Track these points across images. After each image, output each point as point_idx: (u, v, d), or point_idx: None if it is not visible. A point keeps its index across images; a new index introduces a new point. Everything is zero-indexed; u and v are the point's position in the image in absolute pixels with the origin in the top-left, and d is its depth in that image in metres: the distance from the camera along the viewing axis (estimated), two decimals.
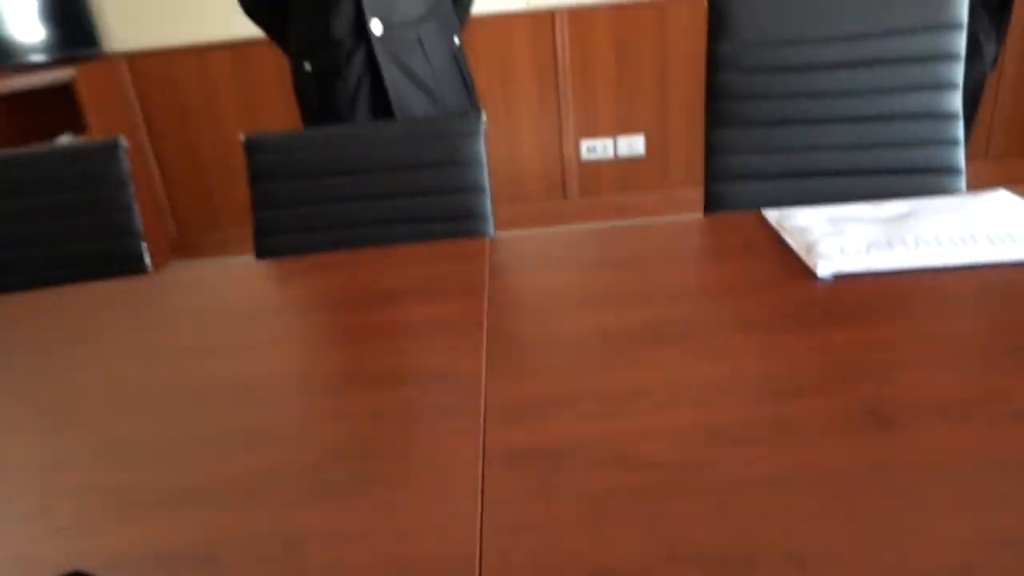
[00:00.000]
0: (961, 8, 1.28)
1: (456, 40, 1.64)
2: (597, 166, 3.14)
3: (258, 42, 2.91)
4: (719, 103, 1.39)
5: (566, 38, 2.92)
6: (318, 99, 1.58)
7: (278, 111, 3.03)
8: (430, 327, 0.95)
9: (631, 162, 3.14)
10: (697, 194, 3.14)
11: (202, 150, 3.09)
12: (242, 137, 1.37)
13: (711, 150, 1.41)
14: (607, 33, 2.94)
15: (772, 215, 1.20)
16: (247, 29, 2.88)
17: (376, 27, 1.49)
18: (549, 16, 2.88)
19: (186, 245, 3.24)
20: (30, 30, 2.71)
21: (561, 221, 3.18)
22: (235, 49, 2.93)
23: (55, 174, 1.42)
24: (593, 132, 3.09)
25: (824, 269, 0.99)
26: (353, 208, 1.37)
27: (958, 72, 1.31)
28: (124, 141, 1.42)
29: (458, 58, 1.63)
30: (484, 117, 1.36)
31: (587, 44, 2.95)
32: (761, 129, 1.38)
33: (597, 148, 3.11)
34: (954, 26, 1.29)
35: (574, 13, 2.88)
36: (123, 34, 2.91)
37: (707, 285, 0.99)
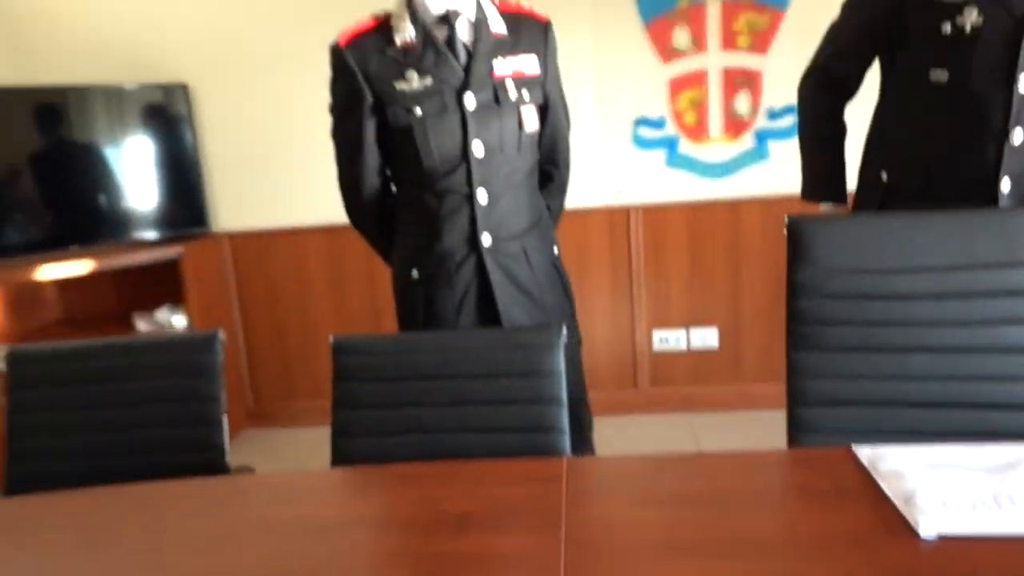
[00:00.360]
0: None
1: (555, 250, 1.71)
2: (669, 357, 3.13)
3: (348, 227, 3.10)
4: (801, 327, 1.38)
5: (640, 233, 3.01)
6: (424, 306, 1.61)
7: (363, 292, 3.17)
8: (503, 564, 0.92)
9: (704, 354, 3.12)
10: (772, 390, 3.08)
11: (288, 324, 3.23)
12: (331, 339, 1.42)
13: (794, 373, 1.38)
14: (681, 228, 3.02)
15: (864, 453, 1.14)
16: (340, 215, 3.08)
17: (486, 239, 1.55)
18: (625, 212, 2.99)
19: (261, 413, 3.31)
20: (148, 210, 2.97)
21: (631, 410, 3.13)
22: (328, 232, 3.13)
23: (150, 362, 1.48)
24: (666, 323, 3.10)
25: (927, 529, 0.92)
26: (430, 414, 1.38)
27: None
28: (222, 334, 1.49)
29: (557, 265, 1.69)
30: (564, 331, 1.38)
31: (661, 238, 3.04)
32: (847, 355, 1.35)
33: (669, 339, 3.11)
34: None
35: (649, 210, 2.99)
36: (228, 215, 3.15)
37: (799, 536, 0.94)
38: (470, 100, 1.49)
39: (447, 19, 1.50)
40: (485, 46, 1.51)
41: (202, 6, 3.00)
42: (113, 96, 2.89)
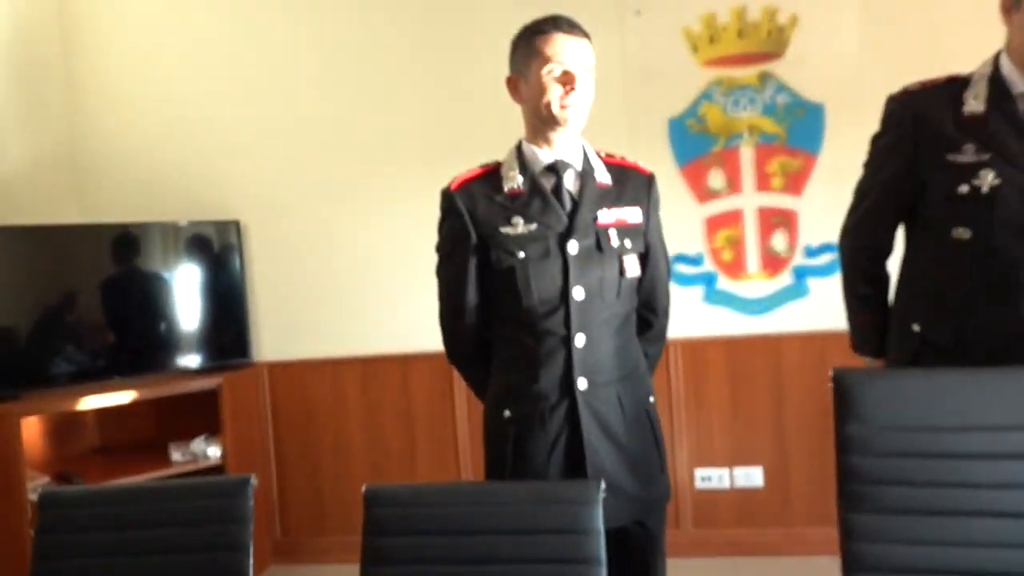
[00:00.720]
0: None
1: (651, 399, 1.67)
2: (712, 496, 3.01)
3: (385, 358, 3.13)
4: (852, 486, 1.32)
5: (680, 368, 2.97)
6: (513, 446, 1.59)
7: (398, 424, 3.16)
8: None
9: (749, 494, 2.99)
10: (822, 534, 2.91)
11: (321, 455, 3.20)
12: (363, 489, 1.39)
13: (847, 535, 1.31)
14: (721, 364, 2.97)
15: None
16: (378, 347, 3.12)
17: (582, 384, 1.54)
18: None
19: (288, 549, 3.23)
20: (193, 340, 3.04)
21: (674, 554, 2.96)
22: (365, 363, 3.15)
23: (180, 508, 1.47)
24: (708, 461, 3.00)
25: None
26: (463, 572, 1.33)
27: None
28: (254, 480, 1.47)
29: (651, 414, 1.65)
30: (603, 486, 1.33)
31: (701, 374, 2.99)
32: (900, 517, 1.28)
33: (712, 478, 3.00)
34: None
35: (688, 344, 2.96)
36: (269, 345, 3.21)
37: None
38: (573, 246, 1.53)
39: (555, 169, 1.57)
40: (590, 195, 1.57)
41: (255, 150, 3.18)
42: (169, 232, 3.04)
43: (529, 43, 1.54)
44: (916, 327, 1.62)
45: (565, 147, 1.58)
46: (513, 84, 1.59)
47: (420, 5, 3.07)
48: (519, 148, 1.61)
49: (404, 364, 3.13)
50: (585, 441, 1.54)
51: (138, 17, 3.23)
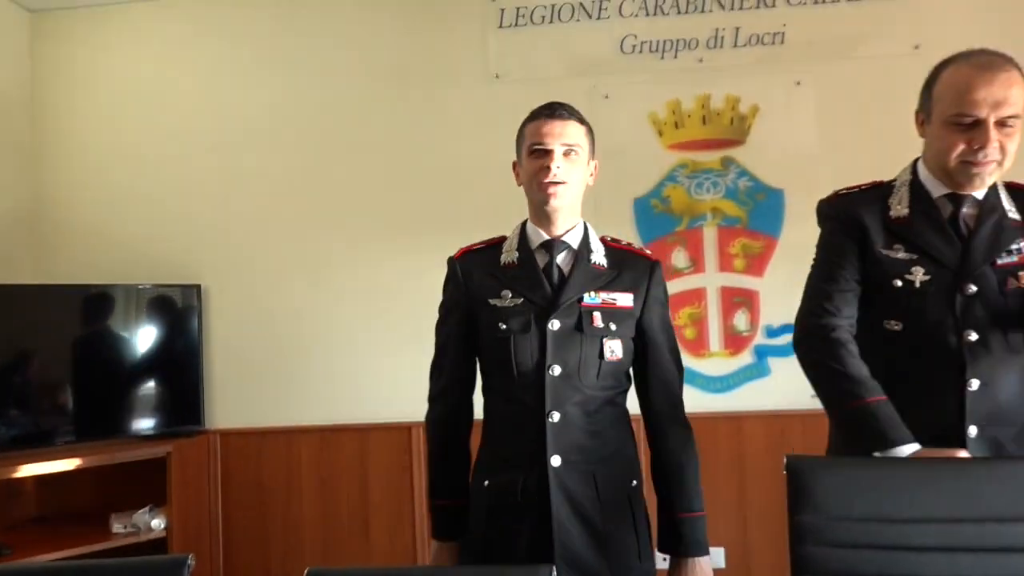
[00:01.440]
0: None
1: (635, 482, 1.63)
2: None
3: (343, 429, 3.07)
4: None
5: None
6: (487, 516, 1.60)
7: (353, 495, 3.07)
8: None
9: None
10: None
11: (271, 530, 3.09)
12: (306, 573, 1.33)
13: None
14: None
15: None
16: (336, 417, 3.06)
17: (555, 460, 1.54)
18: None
19: None
20: (145, 406, 2.96)
21: None
22: (322, 433, 3.08)
23: None
24: None
25: None
26: None
27: None
28: (192, 560, 1.40)
29: (633, 499, 1.61)
30: (554, 572, 1.28)
31: None
32: None
33: None
34: None
35: None
36: (223, 413, 3.12)
37: None
38: (553, 323, 1.57)
39: (549, 247, 1.62)
40: (580, 275, 1.60)
41: (219, 215, 3.17)
42: (132, 294, 2.99)
43: (521, 131, 1.64)
44: None
45: (564, 228, 1.63)
46: (515, 169, 1.67)
47: (393, 75, 3.12)
48: (523, 226, 1.68)
49: (363, 435, 3.07)
50: (555, 519, 1.53)
51: (103, 82, 3.25)
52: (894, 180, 1.63)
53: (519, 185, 1.66)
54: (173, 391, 3.03)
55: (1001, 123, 1.44)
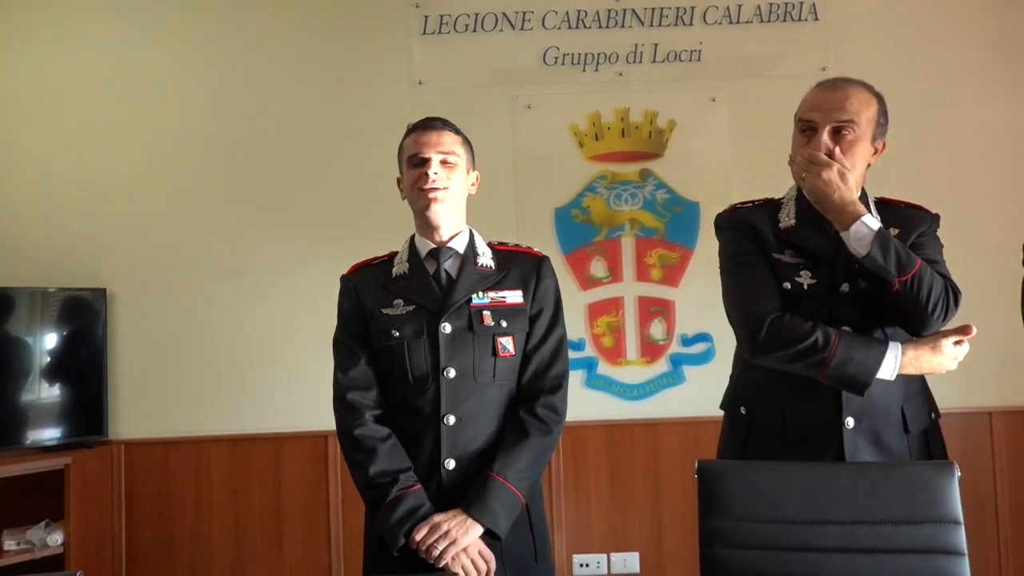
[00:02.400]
0: (955, 505, 1.29)
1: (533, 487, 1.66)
2: None
3: (256, 438, 2.98)
4: None
5: (560, 453, 2.98)
6: (378, 536, 1.59)
7: (266, 506, 2.98)
8: None
9: None
10: None
11: (178, 546, 2.97)
12: None
13: None
14: (600, 449, 3.00)
15: None
16: (248, 426, 2.97)
17: (449, 464, 1.58)
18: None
19: None
20: (44, 414, 2.79)
21: None
22: (233, 443, 2.98)
23: None
24: (586, 548, 2.98)
25: None
26: None
27: (964, 570, 1.27)
28: None
29: (530, 501, 1.62)
30: None
31: (581, 459, 3.00)
32: None
33: (590, 564, 2.98)
34: (950, 522, 1.29)
35: (568, 428, 2.92)
36: (127, 423, 2.98)
37: None
38: (445, 327, 1.61)
39: (436, 254, 1.67)
40: (467, 278, 1.65)
41: (127, 218, 3.03)
42: (37, 298, 2.83)
43: (401, 146, 1.70)
44: (743, 410, 1.73)
45: (450, 235, 1.68)
46: (399, 185, 1.73)
47: (315, 79, 3.07)
48: (412, 239, 1.72)
49: (276, 445, 2.99)
50: None
51: (4, 80, 3.07)
52: (783, 196, 1.74)
53: (403, 200, 1.72)
54: (75, 400, 2.88)
55: (835, 130, 1.58)
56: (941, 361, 1.55)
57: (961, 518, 1.29)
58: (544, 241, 2.97)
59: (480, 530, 1.53)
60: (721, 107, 3.05)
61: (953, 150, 3.01)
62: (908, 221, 1.65)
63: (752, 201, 1.77)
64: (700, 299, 2.98)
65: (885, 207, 1.69)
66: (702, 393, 2.97)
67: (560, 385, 1.66)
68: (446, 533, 1.50)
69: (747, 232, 1.69)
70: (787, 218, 1.67)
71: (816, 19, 3.04)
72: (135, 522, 2.97)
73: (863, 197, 1.65)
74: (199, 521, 2.97)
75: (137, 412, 2.99)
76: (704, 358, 3.00)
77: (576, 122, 3.06)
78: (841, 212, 1.52)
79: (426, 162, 1.63)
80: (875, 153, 1.65)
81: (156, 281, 3.02)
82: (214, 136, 3.06)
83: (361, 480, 1.58)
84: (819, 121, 1.59)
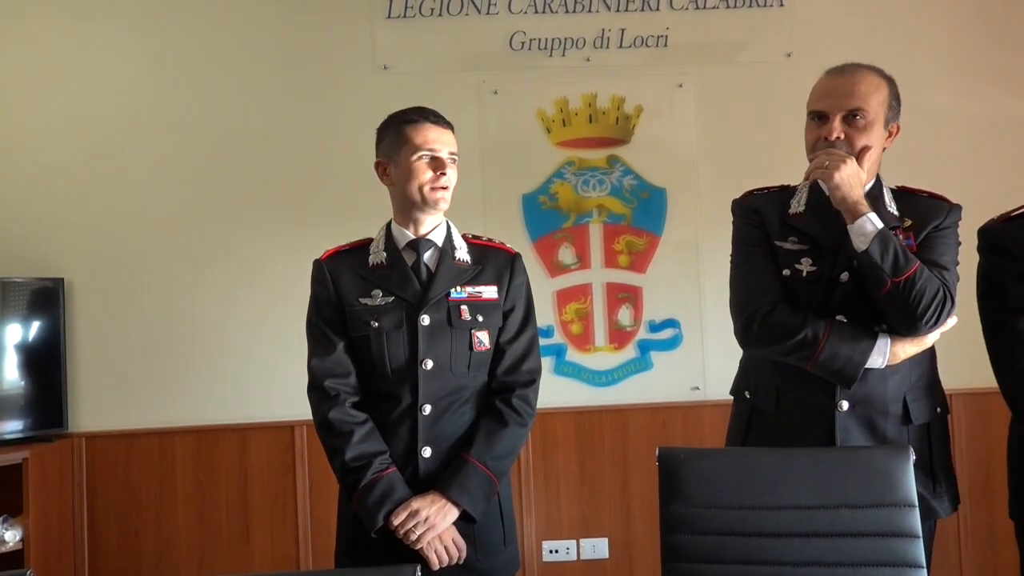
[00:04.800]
0: (910, 488, 1.31)
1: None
2: (559, 568, 3.00)
3: (221, 429, 2.94)
4: (675, 564, 1.35)
5: (529, 439, 2.97)
6: (354, 521, 1.62)
7: (234, 498, 2.95)
8: None
9: (594, 564, 3.00)
10: None
11: (142, 540, 2.92)
12: None
13: None
14: (570, 435, 3.01)
15: None
16: (213, 417, 2.93)
17: (426, 452, 1.62)
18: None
19: None
20: (2, 410, 2.72)
21: None
22: (198, 434, 2.94)
23: None
24: (555, 534, 2.99)
25: None
26: None
27: (918, 550, 1.29)
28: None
29: (500, 494, 1.67)
30: (418, 571, 1.26)
31: (550, 445, 3.00)
32: None
33: (559, 550, 2.99)
34: (905, 505, 1.30)
35: (537, 415, 2.95)
36: (88, 415, 2.93)
37: None
38: (424, 319, 1.63)
39: (416, 246, 1.68)
40: (446, 272, 1.67)
41: (85, 204, 2.96)
42: None
43: (399, 132, 1.66)
44: (747, 395, 1.77)
45: (429, 227, 1.70)
46: (382, 168, 1.70)
47: (276, 64, 3.01)
48: (388, 227, 1.72)
49: (242, 435, 2.95)
50: None
51: None
52: (798, 185, 1.75)
53: (387, 184, 1.70)
54: (33, 392, 2.81)
55: (847, 118, 1.60)
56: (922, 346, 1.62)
57: (916, 502, 1.31)
58: (512, 228, 2.96)
59: (456, 513, 1.58)
60: (688, 93, 3.04)
61: (919, 136, 3.03)
62: (924, 212, 1.66)
63: (768, 187, 1.79)
64: (667, 285, 2.99)
65: (903, 196, 1.71)
66: (669, 379, 2.99)
67: (534, 380, 1.74)
68: (425, 519, 1.55)
69: (753, 219, 1.73)
70: (797, 204, 1.70)
71: (781, 5, 3.04)
72: (98, 516, 2.92)
73: (878, 184, 1.68)
74: (164, 514, 2.93)
75: (98, 404, 2.93)
76: (671, 344, 3.01)
77: (543, 108, 3.04)
78: (854, 206, 1.55)
79: (441, 161, 1.64)
80: (889, 136, 1.68)
81: (116, 270, 2.95)
82: (172, 123, 2.98)
83: (338, 465, 1.62)
84: (830, 109, 1.61)
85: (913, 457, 1.35)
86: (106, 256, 2.96)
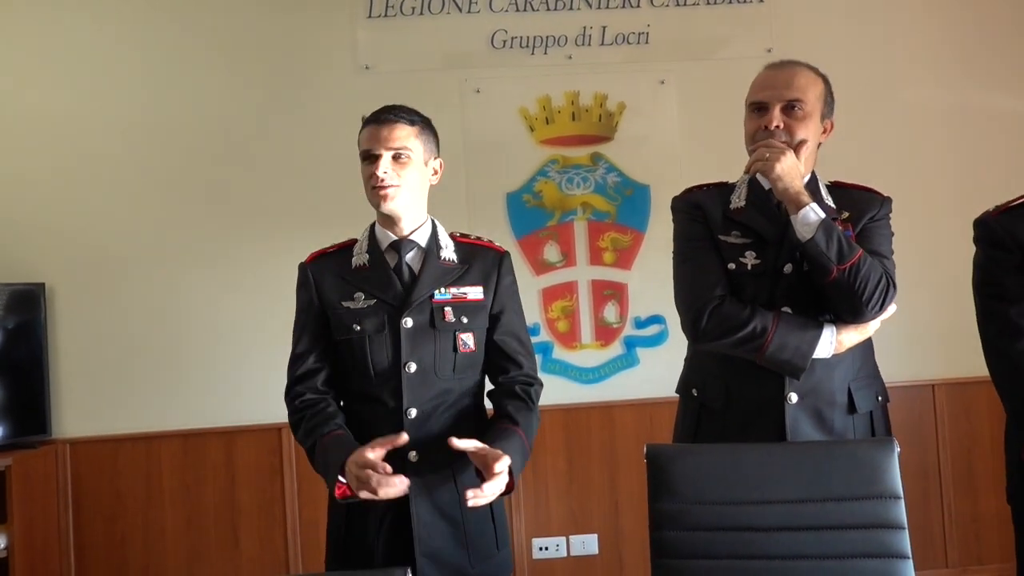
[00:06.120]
0: (895, 480, 1.32)
1: None
2: (550, 564, 3.01)
3: (207, 433, 2.92)
4: (664, 560, 1.35)
5: None
6: (346, 521, 1.60)
7: (221, 501, 2.94)
8: None
9: (584, 560, 3.01)
10: None
11: (130, 546, 2.90)
12: None
13: None
14: (558, 432, 3.01)
15: None
16: (199, 421, 2.91)
17: (412, 456, 1.57)
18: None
19: None
20: None
21: None
22: (184, 439, 2.92)
23: None
24: (545, 531, 3.00)
25: None
26: None
27: (904, 541, 1.30)
28: None
29: (493, 502, 1.61)
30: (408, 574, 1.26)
31: (538, 443, 2.90)
32: None
33: (549, 547, 3.00)
34: (891, 497, 1.32)
35: None
36: (73, 420, 2.90)
37: None
38: (407, 321, 1.60)
39: (398, 246, 1.65)
40: (430, 272, 1.64)
41: (66, 209, 2.93)
42: None
43: (359, 138, 1.65)
44: (695, 392, 1.77)
45: (411, 227, 1.66)
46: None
47: (258, 65, 2.99)
48: (372, 228, 1.69)
49: (229, 439, 2.93)
50: (414, 517, 1.56)
51: None
52: (737, 180, 1.78)
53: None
54: (15, 398, 2.78)
55: (786, 108, 1.64)
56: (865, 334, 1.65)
57: (901, 493, 1.32)
58: (496, 226, 2.96)
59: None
60: (670, 89, 3.06)
61: (898, 131, 3.07)
62: (860, 204, 1.70)
63: (707, 184, 1.81)
64: (652, 281, 3.01)
65: (837, 190, 1.74)
66: (656, 375, 3.00)
67: (536, 381, 1.75)
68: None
69: (696, 214, 1.74)
70: (738, 199, 1.72)
71: (761, 1, 3.06)
72: (83, 523, 2.90)
73: (814, 179, 1.71)
74: (151, 519, 2.91)
75: (82, 410, 2.91)
76: (657, 340, 3.02)
77: (526, 106, 3.04)
78: (796, 196, 1.57)
79: (376, 159, 1.59)
80: (824, 132, 1.71)
81: (98, 275, 2.93)
82: (153, 126, 2.96)
83: (309, 451, 1.61)
84: (770, 100, 1.65)
85: (898, 449, 1.37)
86: (88, 261, 2.93)
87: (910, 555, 1.29)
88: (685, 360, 1.86)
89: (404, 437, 1.53)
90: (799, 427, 1.62)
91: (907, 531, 1.31)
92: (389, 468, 1.47)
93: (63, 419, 2.90)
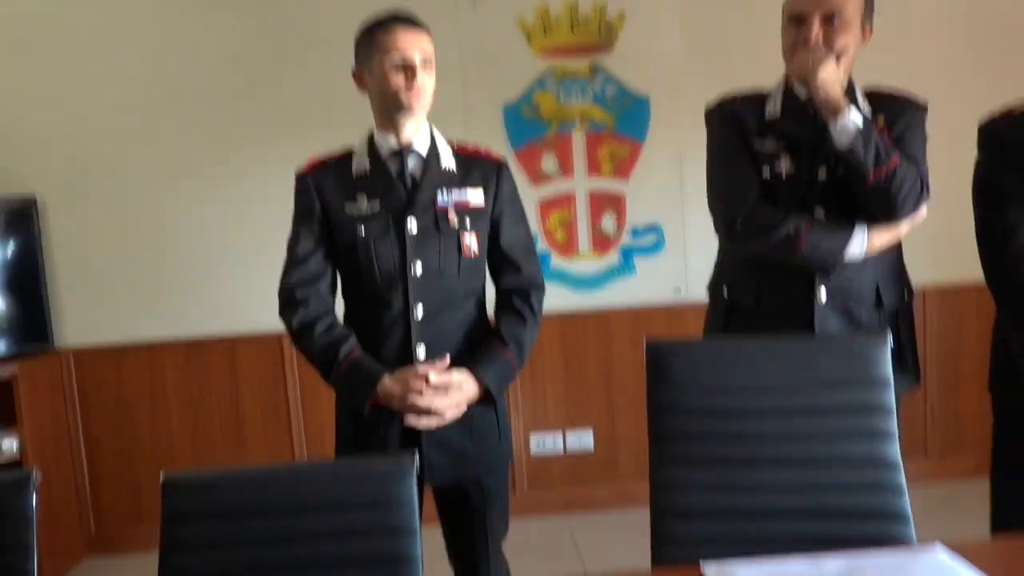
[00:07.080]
0: (885, 365, 1.36)
1: None
2: (546, 460, 3.12)
3: (210, 341, 2.97)
4: (661, 444, 1.40)
5: None
6: (356, 417, 1.66)
7: (226, 409, 3.01)
8: None
9: (580, 456, 3.12)
10: (644, 488, 3.05)
11: (139, 444, 2.99)
12: (161, 478, 1.30)
13: (656, 489, 1.39)
14: (555, 338, 3.06)
15: (711, 571, 1.17)
16: (201, 329, 2.95)
17: (421, 352, 1.64)
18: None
19: (103, 539, 3.00)
20: None
21: (510, 514, 3.04)
22: (187, 347, 2.96)
23: None
24: (542, 426, 3.09)
25: None
26: (268, 554, 1.27)
27: (892, 424, 1.35)
28: (37, 475, 1.34)
29: (496, 401, 1.71)
30: (416, 458, 1.31)
31: (537, 347, 3.01)
32: (703, 470, 1.38)
33: (547, 442, 3.10)
34: (880, 382, 1.36)
35: None
36: (75, 331, 2.94)
37: None
38: (411, 224, 1.64)
39: (400, 153, 1.66)
40: (431, 178, 1.66)
41: (56, 118, 2.89)
42: None
43: (371, 38, 1.63)
44: (725, 289, 1.83)
45: (412, 134, 1.66)
46: (359, 77, 1.68)
47: None
48: (370, 135, 1.69)
49: (231, 348, 2.98)
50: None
51: None
52: (770, 90, 1.78)
53: (363, 92, 1.68)
54: (15, 310, 2.81)
55: (825, 18, 1.62)
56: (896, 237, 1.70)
57: (891, 379, 1.36)
58: (493, 138, 2.93)
59: (476, 388, 1.64)
60: None
61: (910, 35, 2.98)
62: (895, 110, 1.72)
63: (741, 93, 1.81)
64: (650, 191, 3.01)
65: (873, 97, 1.75)
66: (652, 282, 3.05)
67: (539, 285, 1.78)
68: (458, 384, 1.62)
69: (731, 123, 1.76)
70: (773, 108, 1.74)
71: None
72: (92, 427, 2.98)
73: (851, 86, 1.71)
74: (157, 425, 3.00)
75: (83, 320, 2.95)
76: (653, 249, 3.05)
77: (524, 15, 2.98)
78: (836, 103, 1.59)
79: (412, 68, 1.59)
80: (863, 39, 1.70)
81: (89, 185, 2.92)
82: (143, 35, 2.90)
83: (317, 360, 1.66)
84: (809, 12, 1.63)
85: (891, 342, 1.40)
86: (78, 171, 2.91)
87: (896, 434, 1.33)
88: (716, 261, 1.92)
89: (447, 360, 1.62)
90: (827, 323, 1.69)
91: (895, 414, 1.35)
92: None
93: (65, 330, 2.93)
